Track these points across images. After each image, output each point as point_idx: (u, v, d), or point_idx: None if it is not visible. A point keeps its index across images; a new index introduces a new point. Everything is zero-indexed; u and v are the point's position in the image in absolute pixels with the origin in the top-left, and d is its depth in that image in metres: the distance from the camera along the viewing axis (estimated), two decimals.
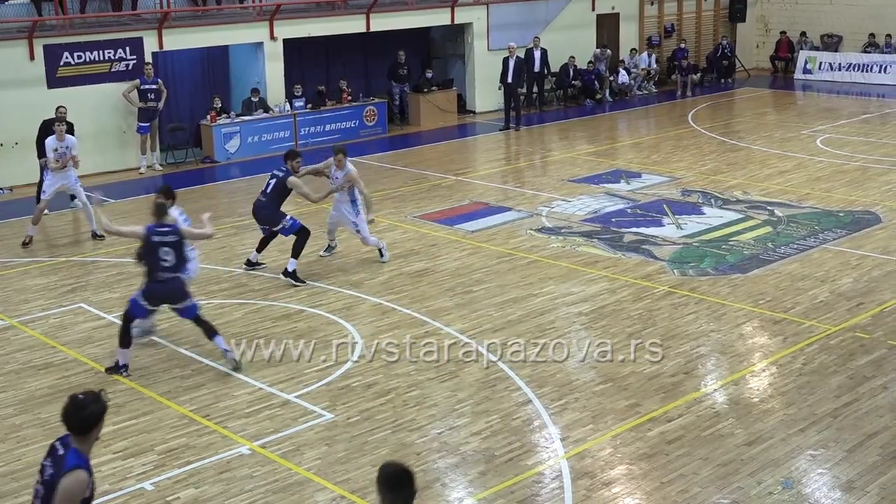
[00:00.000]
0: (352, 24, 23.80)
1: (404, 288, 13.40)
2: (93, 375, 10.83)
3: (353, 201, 13.96)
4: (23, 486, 8.46)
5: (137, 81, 20.40)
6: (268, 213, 13.74)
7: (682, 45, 29.87)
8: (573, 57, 27.40)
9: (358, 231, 14.18)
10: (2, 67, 19.13)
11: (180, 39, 21.51)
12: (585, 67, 27.81)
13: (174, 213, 11.21)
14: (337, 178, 13.87)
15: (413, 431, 9.45)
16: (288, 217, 13.72)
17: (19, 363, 11.28)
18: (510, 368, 10.74)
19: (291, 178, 13.50)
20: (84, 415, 5.80)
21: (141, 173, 20.59)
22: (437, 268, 14.20)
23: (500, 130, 24.40)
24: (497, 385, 10.39)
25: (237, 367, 10.79)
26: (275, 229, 13.86)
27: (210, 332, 10.84)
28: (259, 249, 14.26)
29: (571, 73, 27.46)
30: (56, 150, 15.61)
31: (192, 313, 10.83)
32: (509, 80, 24.27)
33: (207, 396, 10.26)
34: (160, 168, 21.09)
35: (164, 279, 10.54)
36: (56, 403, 9.48)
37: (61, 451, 5.83)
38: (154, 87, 20.48)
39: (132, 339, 10.82)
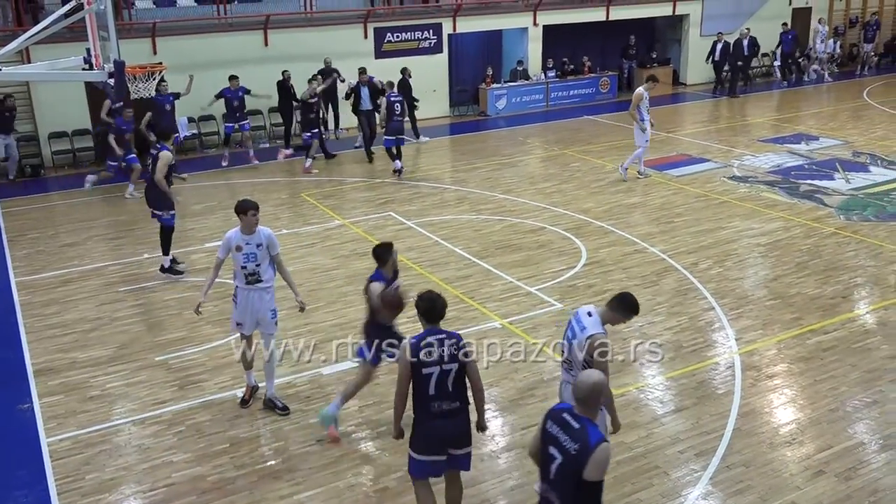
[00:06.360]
0: (595, 14, 23.14)
1: (622, 215, 13.09)
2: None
3: None
4: (346, 333, 8.97)
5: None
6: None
7: (874, 20, 26.90)
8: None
9: None
10: (344, 43, 19.84)
11: (468, 24, 21.56)
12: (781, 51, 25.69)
13: None
14: None
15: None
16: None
17: (348, 250, 11.96)
18: (699, 282, 10.31)
19: None
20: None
21: None
22: (648, 202, 13.74)
23: (712, 97, 23.23)
24: (688, 294, 10.01)
25: None
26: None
27: None
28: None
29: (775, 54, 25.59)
30: None
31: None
32: (716, 58, 23.17)
33: (472, 283, 10.49)
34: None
35: None
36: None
37: None
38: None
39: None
